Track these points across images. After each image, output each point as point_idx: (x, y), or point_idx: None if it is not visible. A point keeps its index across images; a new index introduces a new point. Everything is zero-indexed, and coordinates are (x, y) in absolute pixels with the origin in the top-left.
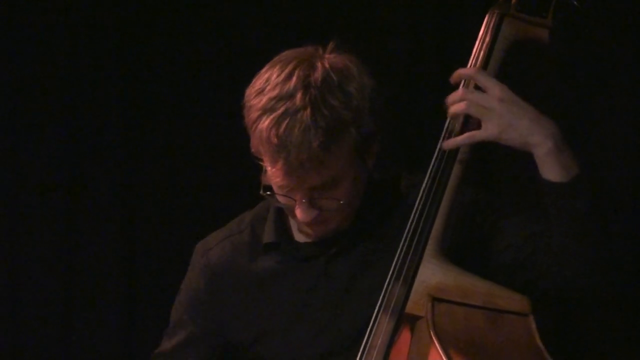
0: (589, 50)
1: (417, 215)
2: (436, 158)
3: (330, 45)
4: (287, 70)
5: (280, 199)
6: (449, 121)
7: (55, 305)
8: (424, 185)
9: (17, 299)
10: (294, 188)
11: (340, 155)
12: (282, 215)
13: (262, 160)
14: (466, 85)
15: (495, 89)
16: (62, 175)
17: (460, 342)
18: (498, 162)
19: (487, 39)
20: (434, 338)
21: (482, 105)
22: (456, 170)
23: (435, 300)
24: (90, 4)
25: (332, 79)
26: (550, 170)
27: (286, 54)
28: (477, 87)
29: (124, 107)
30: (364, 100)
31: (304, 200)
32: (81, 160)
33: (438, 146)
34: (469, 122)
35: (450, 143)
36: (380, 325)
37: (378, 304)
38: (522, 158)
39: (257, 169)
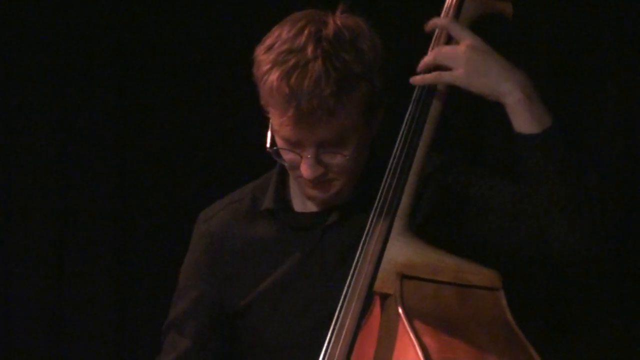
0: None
1: (386, 185)
2: (408, 117)
3: (340, 8)
4: (297, 27)
5: (286, 154)
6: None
7: (46, 312)
8: (393, 154)
9: (7, 307)
10: (302, 142)
11: (350, 109)
12: (283, 184)
13: (269, 113)
14: (437, 38)
15: (467, 38)
16: (54, 178)
17: (428, 319)
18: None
19: (451, 12)
20: (401, 315)
21: (451, 53)
22: (427, 130)
23: (404, 277)
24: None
25: (344, 34)
26: (521, 121)
27: (295, 14)
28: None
29: (117, 109)
30: (375, 58)
31: (309, 156)
32: (73, 163)
33: (409, 107)
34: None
35: (417, 79)
36: (348, 305)
37: (347, 284)
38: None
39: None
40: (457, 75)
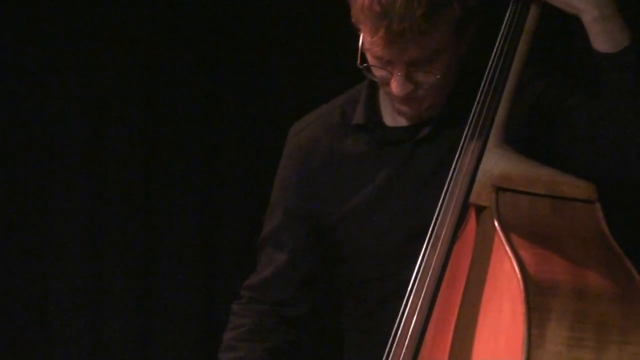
0: None
1: (482, 97)
2: (502, 34)
3: None
4: None
5: (377, 71)
6: None
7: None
8: (489, 66)
9: (97, 302)
10: (392, 60)
11: (441, 29)
12: (373, 98)
13: (360, 30)
14: None
15: None
16: (139, 177)
17: (524, 231)
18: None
19: None
20: (497, 228)
21: None
22: (524, 41)
23: (499, 189)
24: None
25: None
26: (597, 39)
27: None
28: None
29: (202, 107)
30: None
31: (400, 74)
32: (159, 163)
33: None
34: None
35: None
36: (444, 217)
37: (442, 195)
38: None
39: None
40: None
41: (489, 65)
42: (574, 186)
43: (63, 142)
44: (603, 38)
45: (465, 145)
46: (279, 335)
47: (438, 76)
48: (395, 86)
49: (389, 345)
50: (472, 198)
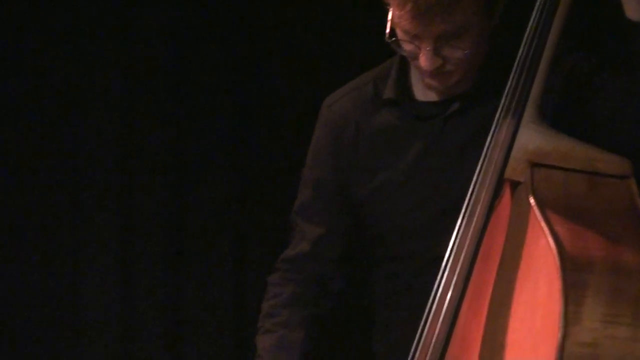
0: None
1: (517, 72)
2: (539, 6)
3: None
4: None
5: (405, 45)
6: None
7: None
8: (524, 40)
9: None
10: (420, 34)
11: (468, 4)
12: (404, 73)
13: (388, 4)
14: None
15: None
16: (169, 169)
17: (559, 207)
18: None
19: None
20: (533, 204)
21: None
22: (560, 13)
23: (534, 165)
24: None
25: None
26: (630, 6)
27: None
28: None
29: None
30: None
31: (428, 48)
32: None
33: None
34: None
35: None
36: (479, 192)
37: (477, 171)
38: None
39: None
40: None
41: (525, 39)
42: (609, 162)
43: (92, 143)
44: (637, 6)
45: (500, 120)
46: (319, 304)
47: (466, 51)
48: (423, 60)
49: (422, 322)
50: (507, 173)
